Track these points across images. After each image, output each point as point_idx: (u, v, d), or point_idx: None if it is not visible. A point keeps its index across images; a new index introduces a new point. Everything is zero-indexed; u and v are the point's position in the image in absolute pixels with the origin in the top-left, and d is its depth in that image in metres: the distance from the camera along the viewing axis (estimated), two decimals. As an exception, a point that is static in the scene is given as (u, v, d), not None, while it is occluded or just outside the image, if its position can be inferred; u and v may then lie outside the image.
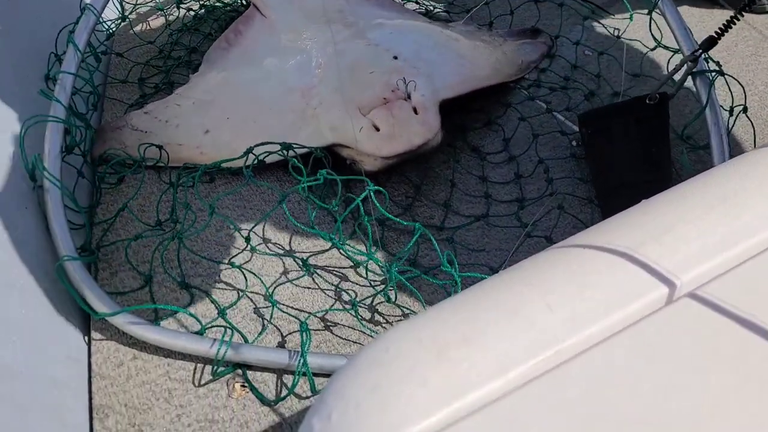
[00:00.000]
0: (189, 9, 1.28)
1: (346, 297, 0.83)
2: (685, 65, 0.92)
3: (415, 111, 0.93)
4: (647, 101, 0.93)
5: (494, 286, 0.42)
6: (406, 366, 0.37)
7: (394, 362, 0.37)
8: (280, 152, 0.90)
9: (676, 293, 0.42)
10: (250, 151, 0.89)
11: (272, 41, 1.12)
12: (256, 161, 0.91)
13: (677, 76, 0.94)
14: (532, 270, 0.43)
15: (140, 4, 1.25)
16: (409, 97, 0.94)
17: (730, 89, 0.98)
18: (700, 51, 0.88)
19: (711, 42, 0.86)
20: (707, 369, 0.38)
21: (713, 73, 0.94)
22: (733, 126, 0.97)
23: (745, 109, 0.95)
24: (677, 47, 1.00)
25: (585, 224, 0.90)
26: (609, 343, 0.39)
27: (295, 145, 0.90)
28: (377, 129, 0.91)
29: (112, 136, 0.98)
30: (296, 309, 0.82)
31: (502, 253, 0.89)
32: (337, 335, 0.80)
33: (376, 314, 0.82)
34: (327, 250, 0.88)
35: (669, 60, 1.06)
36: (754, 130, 1.00)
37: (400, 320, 0.78)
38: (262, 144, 0.90)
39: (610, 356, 0.38)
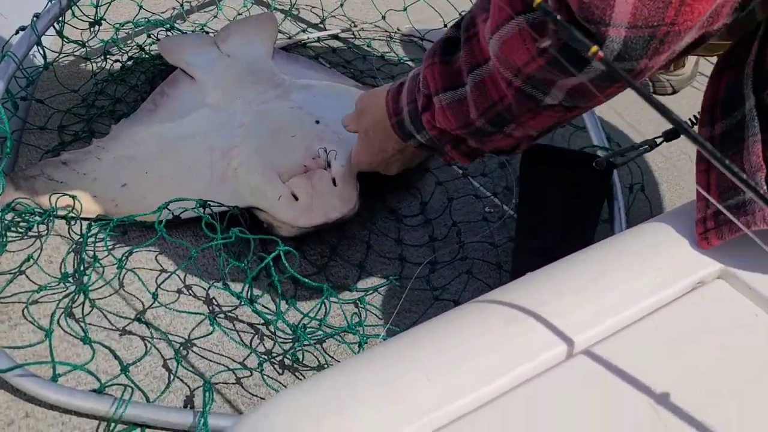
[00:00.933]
0: (117, 60, 1.28)
1: (254, 356, 0.83)
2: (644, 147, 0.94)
3: (334, 182, 0.94)
4: (594, 164, 0.93)
5: (379, 354, 0.43)
6: (282, 434, 0.37)
7: (272, 430, 0.38)
8: (195, 209, 0.90)
9: (573, 351, 0.44)
10: (165, 206, 0.89)
11: (198, 100, 1.13)
12: (170, 216, 0.91)
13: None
14: (419, 336, 0.45)
15: (65, 53, 1.24)
16: (328, 165, 0.96)
17: (629, 168, 1.06)
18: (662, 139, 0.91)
19: (674, 133, 0.89)
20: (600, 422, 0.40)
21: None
22: (632, 203, 1.04)
23: (642, 188, 1.03)
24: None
25: (492, 288, 0.93)
26: (482, 410, 0.41)
27: (211, 203, 0.91)
28: (296, 197, 0.93)
29: (24, 184, 0.96)
30: (203, 367, 0.81)
31: (413, 315, 0.91)
32: (244, 394, 0.80)
33: (285, 372, 0.82)
34: (238, 307, 0.88)
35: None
36: (651, 205, 1.07)
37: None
38: (179, 200, 0.90)
39: (484, 422, 0.40)
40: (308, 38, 1.43)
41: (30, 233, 0.93)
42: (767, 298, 0.48)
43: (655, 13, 0.46)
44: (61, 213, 0.94)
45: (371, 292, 0.93)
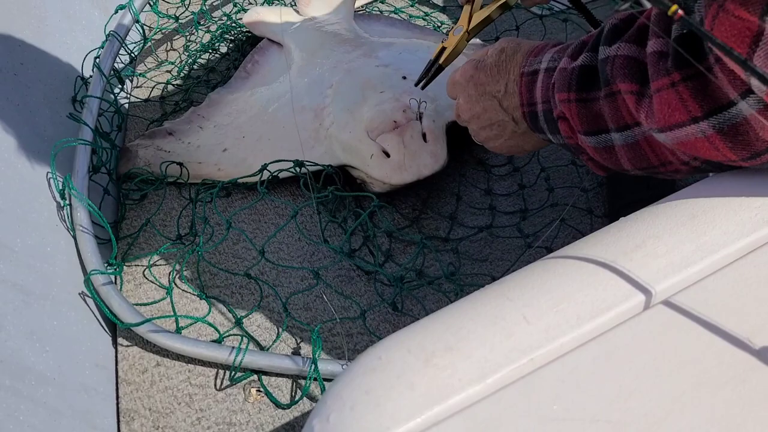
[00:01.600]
0: (207, 30, 1.33)
1: (355, 306, 0.87)
2: None
3: (424, 137, 0.95)
4: None
5: (479, 299, 0.46)
6: (395, 372, 0.41)
7: (385, 369, 0.42)
8: (292, 169, 0.95)
9: (652, 301, 0.46)
10: (264, 168, 0.95)
11: (284, 68, 1.17)
12: (270, 177, 0.96)
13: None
14: (514, 284, 0.47)
15: (162, 27, 1.31)
16: (418, 118, 0.97)
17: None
18: None
19: None
20: (677, 371, 0.42)
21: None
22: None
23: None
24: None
25: (584, 234, 0.93)
26: (582, 350, 0.43)
27: (307, 163, 0.95)
28: (387, 154, 0.94)
29: (136, 155, 1.04)
30: (309, 318, 0.87)
31: (505, 263, 0.93)
32: (349, 341, 0.85)
33: (383, 323, 0.87)
34: (338, 262, 0.93)
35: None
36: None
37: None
38: (276, 161, 0.95)
39: (583, 362, 0.42)
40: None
41: (146, 200, 1.01)
42: None
43: None
44: (171, 180, 1.01)
45: (463, 241, 0.96)
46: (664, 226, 0.49)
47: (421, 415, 0.39)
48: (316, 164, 0.97)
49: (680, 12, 0.37)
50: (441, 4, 1.41)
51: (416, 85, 0.90)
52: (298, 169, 0.95)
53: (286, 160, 0.95)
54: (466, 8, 0.86)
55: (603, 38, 0.60)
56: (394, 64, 1.10)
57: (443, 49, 0.86)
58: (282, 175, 0.97)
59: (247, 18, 1.32)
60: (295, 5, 1.35)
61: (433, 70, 0.88)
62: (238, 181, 0.98)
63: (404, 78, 1.06)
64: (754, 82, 0.44)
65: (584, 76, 0.61)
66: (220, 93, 1.15)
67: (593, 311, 0.44)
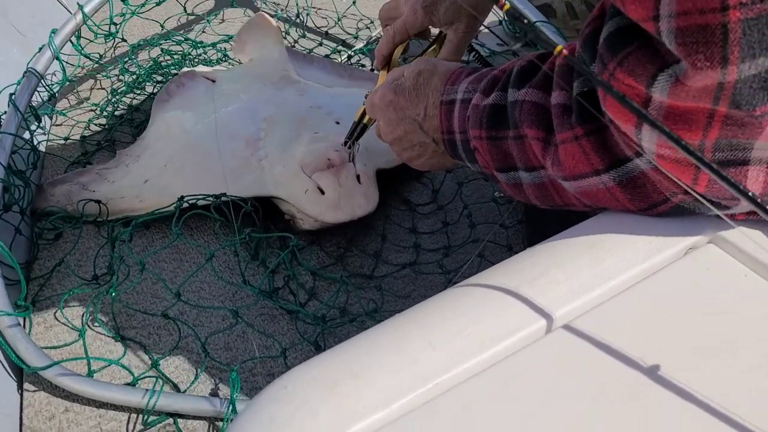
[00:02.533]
0: (133, 73, 1.32)
1: (277, 345, 0.86)
2: None
3: (358, 179, 0.97)
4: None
5: (386, 328, 0.47)
6: (299, 400, 0.41)
7: (290, 398, 0.41)
8: (211, 203, 0.93)
9: (553, 326, 0.47)
10: (181, 199, 0.93)
11: (215, 92, 1.16)
12: (187, 214, 0.93)
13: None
14: (422, 312, 0.48)
15: (84, 65, 1.29)
16: (351, 160, 0.98)
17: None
18: None
19: None
20: (577, 391, 0.43)
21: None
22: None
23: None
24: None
25: (504, 270, 0.96)
26: (485, 374, 0.44)
27: (225, 198, 0.94)
28: (322, 192, 0.95)
29: (54, 192, 1.01)
30: (229, 358, 0.85)
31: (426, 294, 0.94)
32: (269, 381, 0.83)
33: (308, 359, 0.85)
34: (260, 300, 0.91)
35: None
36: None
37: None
38: (193, 196, 0.93)
39: (487, 385, 0.43)
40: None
41: (61, 239, 0.98)
42: (757, 260, 0.50)
43: None
44: (89, 219, 0.98)
45: (387, 278, 0.96)
46: (565, 255, 0.51)
47: (323, 443, 0.39)
48: (236, 198, 0.95)
49: (565, 52, 0.40)
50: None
51: (344, 144, 0.95)
52: (214, 207, 0.93)
53: (205, 196, 0.93)
54: (383, 73, 0.93)
55: (512, 80, 0.63)
56: (326, 108, 1.11)
57: (365, 110, 0.91)
58: (201, 202, 0.95)
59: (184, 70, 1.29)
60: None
61: (358, 130, 0.94)
62: (156, 213, 0.95)
63: (337, 123, 1.08)
64: (645, 144, 0.47)
65: (495, 115, 0.64)
66: (142, 135, 1.12)
67: (497, 336, 0.45)
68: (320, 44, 1.48)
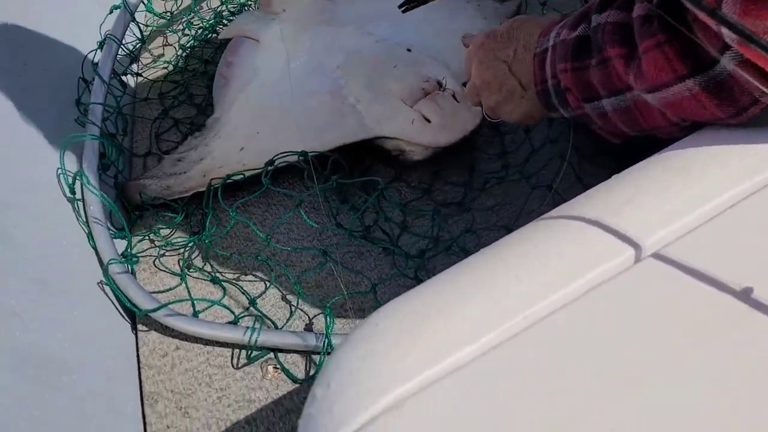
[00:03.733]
0: (199, 27, 1.33)
1: (366, 281, 0.89)
2: None
3: (455, 98, 0.97)
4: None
5: (473, 263, 0.47)
6: (391, 337, 0.42)
7: (382, 335, 0.43)
8: (298, 162, 0.94)
9: (642, 254, 0.46)
10: (271, 163, 0.94)
11: (271, 59, 1.14)
12: (274, 168, 0.95)
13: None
14: (507, 246, 0.48)
15: (156, 25, 1.32)
16: (441, 85, 0.99)
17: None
18: None
19: None
20: (673, 323, 0.43)
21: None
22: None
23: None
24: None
25: (582, 179, 0.93)
26: (574, 305, 0.44)
27: (311, 153, 0.94)
28: (427, 120, 0.96)
29: (148, 190, 1.00)
30: (321, 295, 0.89)
31: (515, 208, 0.94)
32: (360, 316, 0.87)
33: (394, 296, 0.88)
34: (347, 239, 0.94)
35: None
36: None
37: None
38: (282, 155, 0.95)
39: (575, 317, 0.43)
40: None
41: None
42: None
43: None
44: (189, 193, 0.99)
45: (476, 200, 0.96)
46: (653, 180, 0.50)
47: (416, 376, 0.40)
48: (322, 153, 0.96)
49: None
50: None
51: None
52: (302, 160, 0.94)
53: (292, 153, 0.94)
54: None
55: (596, 6, 0.62)
56: (392, 39, 1.10)
57: None
58: (290, 159, 0.97)
59: (225, 34, 1.26)
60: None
61: None
62: (246, 174, 0.97)
63: (409, 50, 1.07)
64: (724, 31, 0.45)
65: (580, 46, 0.63)
66: (211, 118, 1.11)
67: (584, 267, 0.45)
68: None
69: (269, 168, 0.94)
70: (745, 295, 0.43)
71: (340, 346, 0.44)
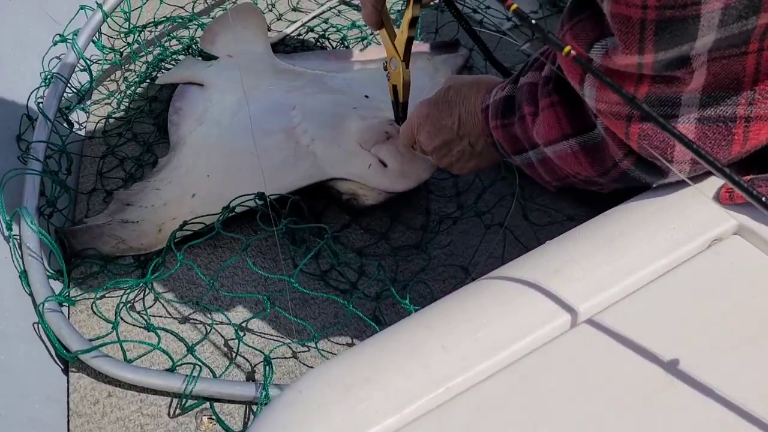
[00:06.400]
0: (145, 61, 1.31)
1: (309, 330, 0.88)
2: None
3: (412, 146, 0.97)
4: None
5: (400, 330, 0.47)
6: (314, 405, 0.42)
7: (304, 402, 0.42)
8: (255, 203, 0.93)
9: (571, 323, 0.47)
10: (229, 208, 0.93)
11: (221, 101, 1.14)
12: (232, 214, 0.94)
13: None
14: (435, 313, 0.48)
15: (105, 62, 1.30)
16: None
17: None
18: None
19: None
20: (605, 390, 0.43)
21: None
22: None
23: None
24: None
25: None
26: (498, 376, 0.44)
27: (270, 197, 0.93)
28: (384, 165, 0.95)
29: (98, 233, 0.97)
30: (263, 343, 0.87)
31: (471, 246, 0.96)
32: (302, 366, 0.85)
33: (339, 345, 0.87)
34: (291, 286, 0.92)
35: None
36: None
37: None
38: (241, 196, 0.93)
39: (499, 387, 0.43)
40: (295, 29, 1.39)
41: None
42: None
43: (718, 149, 0.48)
44: (145, 252, 0.97)
45: (431, 240, 0.97)
46: (583, 250, 0.51)
47: (336, 448, 0.40)
48: (281, 195, 0.94)
49: (573, 53, 0.40)
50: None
51: (396, 123, 0.98)
52: (257, 202, 0.93)
53: (248, 196, 0.93)
54: (384, 38, 0.91)
55: (523, 70, 0.68)
56: (348, 88, 1.10)
57: (394, 86, 0.94)
58: (245, 205, 0.95)
59: (163, 80, 1.25)
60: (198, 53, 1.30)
61: (400, 108, 0.96)
62: (202, 224, 0.95)
63: (366, 97, 1.07)
64: (587, 99, 0.52)
65: (506, 104, 0.69)
66: (163, 159, 1.10)
67: (511, 337, 0.45)
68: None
69: (228, 214, 0.93)
70: (671, 366, 0.44)
71: (263, 411, 0.43)
